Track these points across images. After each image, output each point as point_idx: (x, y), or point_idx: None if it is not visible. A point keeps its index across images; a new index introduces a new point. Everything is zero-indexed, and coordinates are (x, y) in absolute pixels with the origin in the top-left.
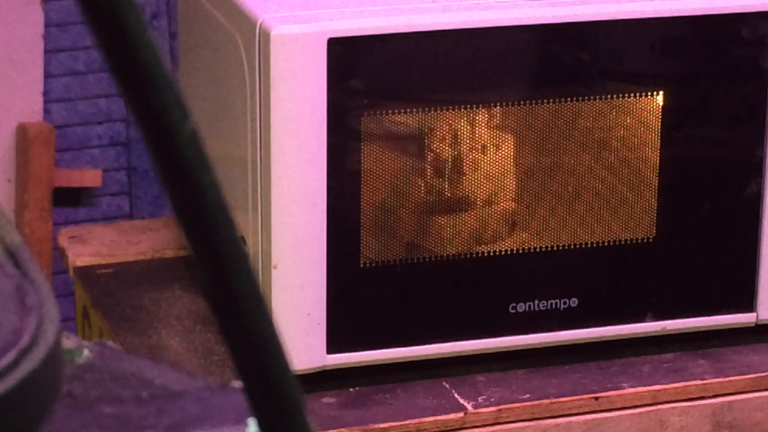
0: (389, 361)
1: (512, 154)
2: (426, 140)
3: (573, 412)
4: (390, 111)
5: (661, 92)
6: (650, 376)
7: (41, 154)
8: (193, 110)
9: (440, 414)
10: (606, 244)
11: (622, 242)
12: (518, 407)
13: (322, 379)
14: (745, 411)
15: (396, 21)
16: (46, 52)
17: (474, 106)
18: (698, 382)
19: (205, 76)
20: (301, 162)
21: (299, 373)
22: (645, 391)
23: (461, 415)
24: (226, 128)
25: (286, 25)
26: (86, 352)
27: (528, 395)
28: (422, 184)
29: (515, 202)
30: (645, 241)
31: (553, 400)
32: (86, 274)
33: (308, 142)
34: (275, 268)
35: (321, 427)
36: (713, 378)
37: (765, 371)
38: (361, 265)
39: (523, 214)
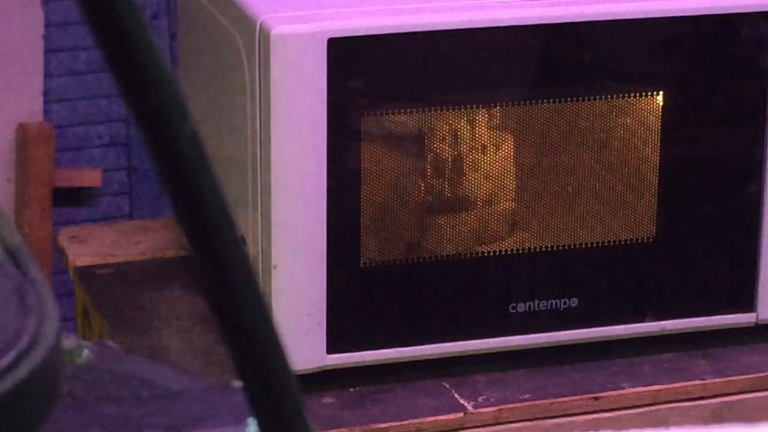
0: (389, 361)
1: (512, 154)
2: (426, 140)
3: (573, 412)
4: (390, 111)
5: (661, 92)
6: (650, 376)
7: (41, 154)
8: (193, 110)
9: (440, 414)
10: (606, 244)
11: (622, 242)
12: (518, 407)
13: (322, 379)
14: (745, 411)
15: (396, 21)
16: (46, 52)
17: (474, 106)
18: (698, 382)
19: (205, 76)
20: (301, 162)
21: (299, 373)
22: (645, 391)
23: (461, 415)
24: (226, 128)
25: (286, 25)
26: (86, 352)
27: (528, 395)
28: (422, 184)
29: (515, 202)
30: (645, 241)
31: (553, 400)
32: (86, 274)
33: (308, 142)
34: (275, 268)
35: (321, 427)
36: (713, 378)
37: (765, 371)
38: (361, 265)
39: (523, 214)
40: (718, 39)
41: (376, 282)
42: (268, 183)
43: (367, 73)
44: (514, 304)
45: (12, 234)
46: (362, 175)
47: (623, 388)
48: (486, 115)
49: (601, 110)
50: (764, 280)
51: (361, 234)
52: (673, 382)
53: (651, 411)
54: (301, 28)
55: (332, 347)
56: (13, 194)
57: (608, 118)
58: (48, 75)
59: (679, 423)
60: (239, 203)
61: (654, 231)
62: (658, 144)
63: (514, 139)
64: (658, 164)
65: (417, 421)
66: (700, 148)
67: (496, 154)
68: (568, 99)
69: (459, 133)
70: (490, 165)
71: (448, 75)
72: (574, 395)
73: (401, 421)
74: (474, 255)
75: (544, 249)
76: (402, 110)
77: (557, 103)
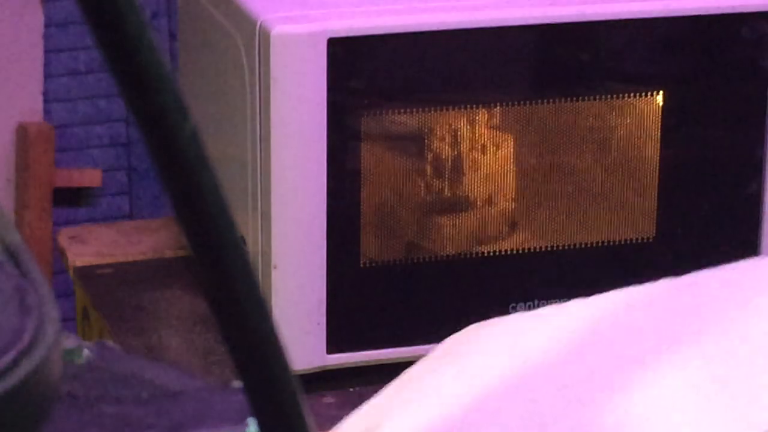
0: (389, 361)
1: (512, 154)
2: (426, 140)
3: None
4: (390, 111)
5: (661, 92)
6: None
7: (41, 154)
8: (193, 110)
9: None
10: (606, 244)
11: (622, 242)
12: None
13: (322, 379)
14: None
15: (396, 21)
16: (46, 52)
17: (474, 106)
18: None
19: (205, 76)
20: (301, 162)
21: (299, 373)
22: None
23: None
24: (226, 128)
25: (286, 25)
26: (86, 352)
27: None
28: (422, 184)
29: (515, 202)
30: (645, 241)
31: None
32: (86, 274)
33: (308, 142)
34: (275, 268)
35: (321, 427)
36: None
37: None
38: (361, 265)
39: (523, 214)
40: (718, 39)
41: (376, 282)
42: (268, 183)
43: (367, 73)
44: (514, 304)
45: (12, 234)
46: (362, 175)
47: None
48: (486, 115)
49: (601, 110)
50: None
51: (361, 234)
52: None
53: None
54: (301, 28)
55: (332, 347)
56: (13, 194)
57: (608, 118)
58: (48, 75)
59: None
60: (239, 203)
61: (654, 231)
62: (658, 144)
63: (514, 139)
64: (658, 164)
65: None
66: (700, 148)
67: (496, 154)
68: (569, 99)
69: (459, 133)
70: (490, 165)
71: (448, 75)
72: None
73: None
74: (474, 255)
75: (544, 249)
76: (402, 110)
77: (557, 103)
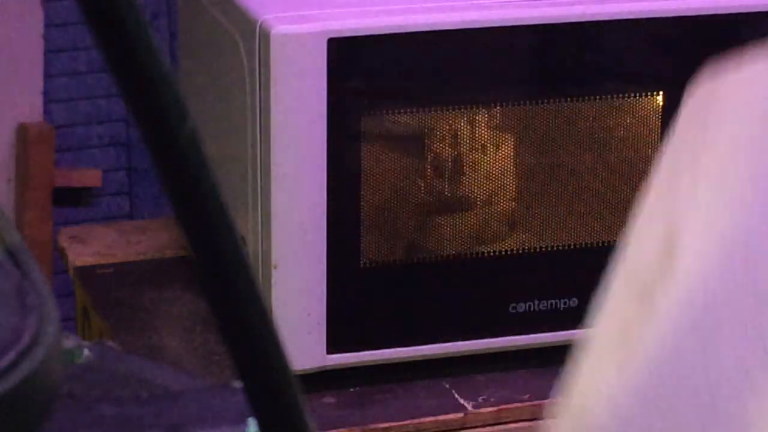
0: (389, 361)
1: (512, 154)
2: (426, 140)
3: None
4: (390, 111)
5: (661, 92)
6: None
7: (41, 154)
8: (193, 110)
9: (440, 414)
10: (606, 244)
11: (622, 242)
12: (518, 407)
13: (322, 379)
14: None
15: (396, 21)
16: (46, 52)
17: (474, 106)
18: None
19: (205, 76)
20: (301, 162)
21: (299, 373)
22: None
23: (461, 415)
24: (226, 128)
25: (286, 25)
26: (86, 352)
27: (528, 395)
28: (422, 184)
29: (515, 202)
30: None
31: (553, 401)
32: (86, 274)
33: (308, 142)
34: (275, 268)
35: (321, 427)
36: None
37: None
38: (361, 265)
39: (523, 214)
40: (718, 39)
41: (376, 282)
42: (268, 183)
43: (367, 73)
44: (514, 304)
45: (12, 234)
46: (362, 175)
47: None
48: (486, 115)
49: (602, 110)
50: None
51: (361, 234)
52: None
53: None
54: (301, 28)
55: (332, 347)
56: (13, 194)
57: (608, 118)
58: (48, 75)
59: None
60: (239, 203)
61: None
62: (659, 144)
63: (514, 139)
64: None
65: (417, 421)
66: None
67: (496, 154)
68: (568, 99)
69: (459, 133)
70: (490, 165)
71: (448, 75)
72: None
73: (401, 421)
74: (474, 255)
75: (544, 249)
76: (402, 110)
77: (557, 103)
